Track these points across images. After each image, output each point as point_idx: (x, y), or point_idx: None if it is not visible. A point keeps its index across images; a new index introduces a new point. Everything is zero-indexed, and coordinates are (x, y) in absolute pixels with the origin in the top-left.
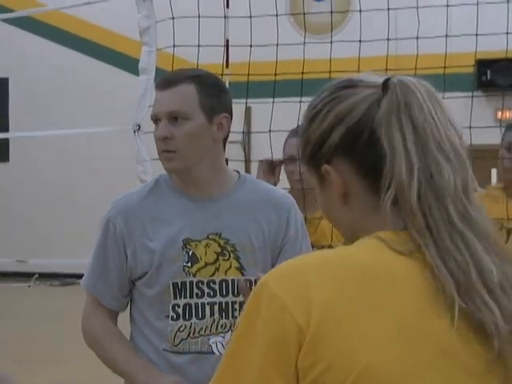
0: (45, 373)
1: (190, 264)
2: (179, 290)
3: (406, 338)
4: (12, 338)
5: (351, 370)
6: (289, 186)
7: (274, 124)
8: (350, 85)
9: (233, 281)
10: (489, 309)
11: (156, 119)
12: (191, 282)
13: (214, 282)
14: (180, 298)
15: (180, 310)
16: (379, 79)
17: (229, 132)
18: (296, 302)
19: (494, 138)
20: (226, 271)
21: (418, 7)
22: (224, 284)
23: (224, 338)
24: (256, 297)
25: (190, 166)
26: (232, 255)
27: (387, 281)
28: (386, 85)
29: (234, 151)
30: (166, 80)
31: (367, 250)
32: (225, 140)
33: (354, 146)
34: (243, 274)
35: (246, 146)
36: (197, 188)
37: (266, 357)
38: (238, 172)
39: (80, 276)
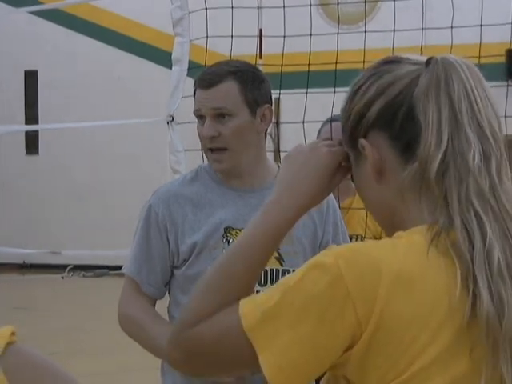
0: (73, 363)
1: None
2: None
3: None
4: (44, 328)
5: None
6: None
7: (302, 115)
8: (394, 60)
9: (271, 270)
10: (481, 297)
11: (200, 115)
12: None
13: None
14: None
15: None
16: (424, 58)
17: (271, 122)
18: (362, 293)
19: None
20: None
21: None
22: (262, 273)
23: None
24: (320, 267)
25: (238, 162)
26: None
27: (435, 289)
28: (428, 61)
29: None
30: (208, 79)
31: (419, 254)
32: (266, 131)
33: (392, 121)
34: (282, 265)
35: (276, 137)
36: (239, 179)
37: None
38: (277, 165)
39: (113, 267)
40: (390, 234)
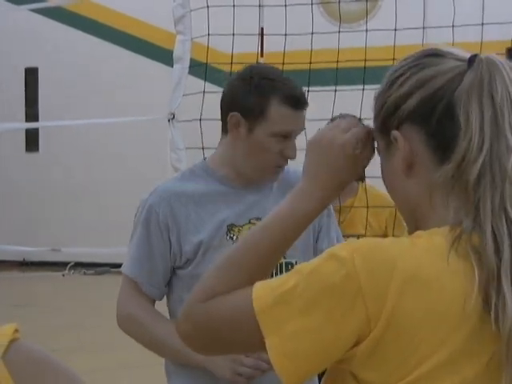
0: (74, 360)
1: None
2: None
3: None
4: (44, 325)
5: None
6: None
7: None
8: (437, 54)
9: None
10: (504, 308)
11: (286, 134)
12: None
13: None
14: None
15: None
16: (467, 54)
17: None
18: (374, 290)
19: None
20: None
21: None
22: None
23: None
24: (336, 260)
25: None
26: None
27: (451, 292)
28: (472, 59)
29: None
30: (302, 100)
31: (437, 255)
32: None
33: (429, 116)
34: (285, 257)
35: None
36: (239, 176)
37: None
38: None
39: (114, 265)
40: (412, 230)
